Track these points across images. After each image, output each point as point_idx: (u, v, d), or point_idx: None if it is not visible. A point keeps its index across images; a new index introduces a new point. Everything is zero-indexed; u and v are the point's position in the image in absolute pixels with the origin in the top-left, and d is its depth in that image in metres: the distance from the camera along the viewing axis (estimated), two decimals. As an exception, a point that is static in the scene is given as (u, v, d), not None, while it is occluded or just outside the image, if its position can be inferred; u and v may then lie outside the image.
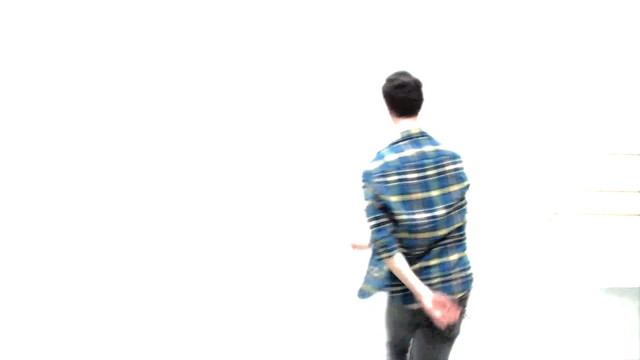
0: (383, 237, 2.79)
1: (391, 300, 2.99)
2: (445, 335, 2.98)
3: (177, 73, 5.91)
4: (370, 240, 2.86)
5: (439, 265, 2.85)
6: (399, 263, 2.79)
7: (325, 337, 4.73)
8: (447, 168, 2.85)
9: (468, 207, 2.91)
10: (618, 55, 5.70)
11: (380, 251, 2.80)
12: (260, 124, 6.13)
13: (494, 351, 4.59)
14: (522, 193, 5.76)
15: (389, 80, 2.92)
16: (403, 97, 2.85)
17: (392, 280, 2.90)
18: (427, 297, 2.76)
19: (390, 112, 2.95)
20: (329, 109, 6.33)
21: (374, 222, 2.81)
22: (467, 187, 2.89)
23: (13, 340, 4.41)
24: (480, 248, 5.61)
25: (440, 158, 2.85)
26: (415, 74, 6.00)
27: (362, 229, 3.05)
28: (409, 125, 2.89)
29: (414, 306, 2.89)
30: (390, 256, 2.79)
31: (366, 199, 2.83)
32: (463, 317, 3.00)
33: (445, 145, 2.89)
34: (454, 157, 2.90)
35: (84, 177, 5.84)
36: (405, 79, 2.88)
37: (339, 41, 6.02)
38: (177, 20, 5.85)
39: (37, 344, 4.37)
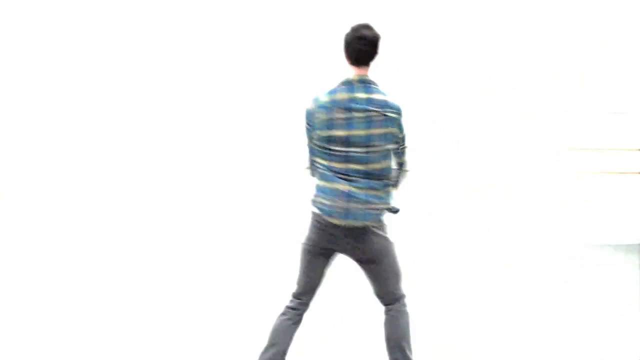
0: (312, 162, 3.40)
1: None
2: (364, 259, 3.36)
3: (173, 74, 6.01)
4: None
5: (343, 192, 3.24)
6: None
7: (324, 337, 4.88)
8: (373, 113, 3.24)
9: (398, 154, 3.29)
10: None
11: (308, 168, 3.44)
12: (262, 125, 6.15)
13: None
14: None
15: (353, 29, 3.30)
16: (358, 48, 3.25)
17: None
18: None
19: (346, 60, 3.32)
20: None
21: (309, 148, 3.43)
22: (393, 134, 3.27)
23: (13, 340, 4.54)
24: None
25: (368, 104, 3.24)
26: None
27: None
28: (353, 72, 3.30)
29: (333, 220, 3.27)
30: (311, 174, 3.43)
31: (305, 133, 3.39)
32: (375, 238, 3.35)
33: (384, 96, 3.26)
34: (386, 106, 3.26)
35: (82, 177, 5.93)
36: (366, 33, 3.26)
37: (329, 42, 6.03)
38: (174, 21, 5.95)
39: (37, 344, 4.51)
